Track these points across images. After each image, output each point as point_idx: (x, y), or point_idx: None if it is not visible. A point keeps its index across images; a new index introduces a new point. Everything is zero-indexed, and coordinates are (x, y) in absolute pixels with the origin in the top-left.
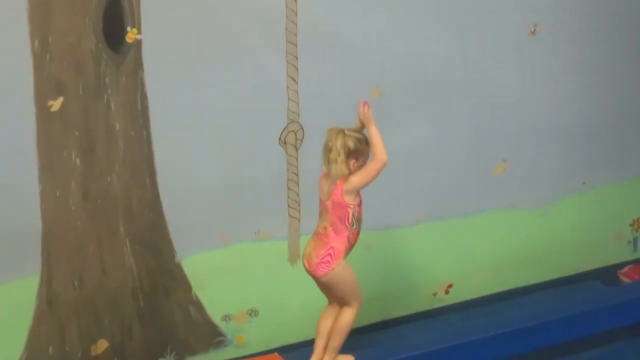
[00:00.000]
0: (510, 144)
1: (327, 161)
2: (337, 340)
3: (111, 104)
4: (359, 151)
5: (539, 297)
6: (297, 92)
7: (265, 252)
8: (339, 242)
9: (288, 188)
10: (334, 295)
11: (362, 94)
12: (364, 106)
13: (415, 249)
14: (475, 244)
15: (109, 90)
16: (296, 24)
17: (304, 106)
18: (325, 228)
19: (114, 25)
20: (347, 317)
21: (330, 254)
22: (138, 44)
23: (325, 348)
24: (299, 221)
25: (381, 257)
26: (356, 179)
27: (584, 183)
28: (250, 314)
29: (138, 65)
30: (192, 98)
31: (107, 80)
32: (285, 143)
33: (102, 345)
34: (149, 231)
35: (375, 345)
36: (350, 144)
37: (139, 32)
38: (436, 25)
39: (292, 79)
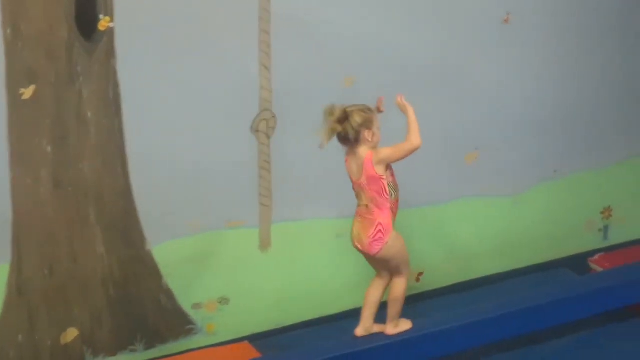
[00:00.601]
0: (483, 133)
1: (351, 140)
2: (397, 308)
3: (83, 92)
4: (368, 120)
5: (510, 286)
6: (270, 81)
7: (236, 240)
8: (384, 217)
9: (260, 176)
10: (389, 267)
11: (334, 83)
12: (400, 98)
13: None
14: (446, 232)
15: (81, 79)
16: (269, 12)
17: (276, 94)
18: (367, 206)
19: (87, 13)
20: (401, 287)
21: (380, 231)
22: (111, 32)
23: (372, 317)
24: (271, 209)
25: (349, 246)
26: (386, 151)
27: (555, 171)
28: (220, 302)
29: (110, 53)
30: (164, 86)
31: (79, 68)
32: (257, 131)
33: (72, 333)
34: (120, 219)
35: (347, 333)
36: (357, 118)
37: (112, 20)
38: (409, 13)
39: (265, 67)
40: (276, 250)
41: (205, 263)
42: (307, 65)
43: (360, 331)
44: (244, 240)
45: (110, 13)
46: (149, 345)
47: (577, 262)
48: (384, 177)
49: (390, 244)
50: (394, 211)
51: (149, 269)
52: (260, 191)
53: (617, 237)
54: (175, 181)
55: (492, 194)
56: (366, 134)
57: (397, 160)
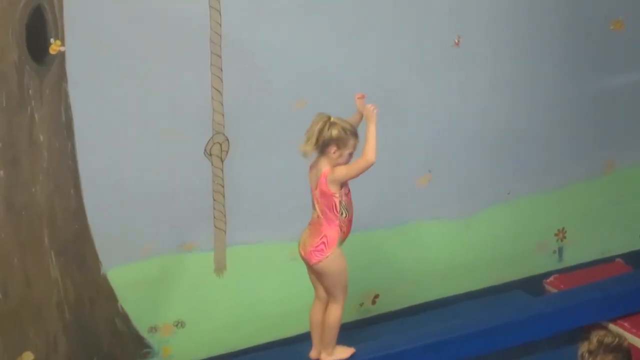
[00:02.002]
0: (436, 155)
1: (325, 147)
2: (329, 337)
3: (35, 116)
4: (341, 140)
5: (464, 308)
6: (222, 104)
7: (191, 263)
8: (331, 231)
9: (214, 199)
10: (325, 285)
11: (286, 105)
12: (371, 106)
13: None
14: (400, 255)
15: (33, 102)
16: (220, 36)
17: (229, 117)
18: (318, 217)
19: (38, 37)
20: (335, 314)
21: (324, 242)
22: (62, 55)
23: (319, 339)
24: (225, 232)
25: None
26: (341, 171)
27: (508, 193)
28: (176, 326)
29: (62, 76)
30: (116, 109)
31: (30, 91)
32: (210, 154)
33: (27, 357)
34: (74, 242)
35: (302, 355)
36: (334, 132)
37: (63, 44)
38: (361, 36)
39: (217, 90)
40: (231, 274)
41: (161, 286)
42: (259, 89)
43: (314, 354)
44: (199, 264)
45: (61, 37)
46: None
47: (533, 284)
48: (337, 195)
49: (330, 259)
50: (344, 230)
51: (104, 293)
52: (215, 214)
53: (571, 258)
54: (130, 204)
55: (445, 216)
56: (332, 150)
57: (353, 177)
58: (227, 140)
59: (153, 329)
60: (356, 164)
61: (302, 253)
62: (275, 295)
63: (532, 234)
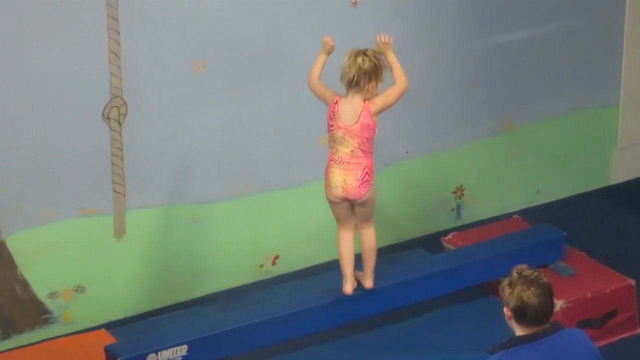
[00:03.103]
0: None
1: (362, 81)
2: (374, 260)
3: None
4: (380, 71)
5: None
6: (120, 67)
7: (90, 228)
8: (369, 161)
9: (112, 163)
10: (364, 212)
11: (185, 68)
12: (384, 35)
13: (240, 221)
14: (300, 215)
15: None
16: None
17: (127, 81)
18: (352, 151)
19: None
20: (374, 236)
21: (367, 173)
22: None
23: (353, 271)
24: (124, 196)
25: (207, 230)
26: (380, 101)
27: (407, 152)
28: (76, 291)
29: None
30: (12, 73)
31: None
32: (108, 118)
33: None
34: None
35: (205, 318)
36: (374, 63)
37: None
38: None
39: (114, 53)
40: (131, 238)
41: (60, 252)
42: (157, 51)
43: (349, 288)
44: (98, 228)
45: None
46: (4, 336)
47: (431, 242)
48: (376, 125)
49: (374, 186)
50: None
51: (2, 259)
52: (114, 179)
53: (469, 216)
54: (28, 170)
55: None
56: (370, 86)
57: (392, 104)
58: (125, 103)
59: (53, 295)
60: (392, 91)
61: (344, 193)
62: (176, 259)
63: (431, 192)
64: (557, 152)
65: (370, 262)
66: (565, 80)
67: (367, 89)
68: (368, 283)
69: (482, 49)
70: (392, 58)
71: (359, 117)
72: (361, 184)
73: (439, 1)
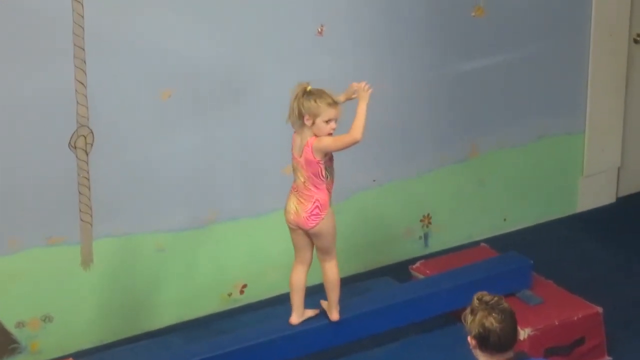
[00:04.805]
0: None
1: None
2: (337, 293)
3: None
4: (312, 109)
5: None
6: (86, 96)
7: (57, 257)
8: (321, 194)
9: (79, 192)
10: (320, 245)
11: (151, 97)
12: (365, 84)
13: (208, 250)
14: (267, 244)
15: None
16: (83, 28)
17: (93, 110)
18: (304, 182)
19: None
20: (335, 269)
21: (317, 206)
22: None
23: (303, 303)
24: (91, 225)
25: (175, 259)
26: (327, 142)
27: (374, 180)
28: (44, 320)
29: None
30: None
31: None
32: (75, 147)
33: None
34: None
35: (171, 348)
36: (305, 103)
37: None
38: (223, 28)
39: (81, 83)
40: (98, 267)
41: (27, 281)
42: (123, 80)
43: (295, 319)
44: (65, 257)
45: None
46: None
47: (399, 270)
48: (322, 162)
49: (325, 220)
50: (330, 191)
51: None
52: (81, 207)
53: (437, 244)
54: None
55: None
56: (306, 118)
57: (336, 150)
58: (92, 132)
59: (20, 324)
60: (342, 138)
61: (294, 220)
62: (143, 288)
63: (399, 220)
64: (523, 180)
65: (333, 295)
66: (531, 108)
67: (309, 125)
68: (334, 315)
69: (448, 76)
70: (362, 106)
71: (303, 151)
72: (309, 216)
73: (405, 29)
